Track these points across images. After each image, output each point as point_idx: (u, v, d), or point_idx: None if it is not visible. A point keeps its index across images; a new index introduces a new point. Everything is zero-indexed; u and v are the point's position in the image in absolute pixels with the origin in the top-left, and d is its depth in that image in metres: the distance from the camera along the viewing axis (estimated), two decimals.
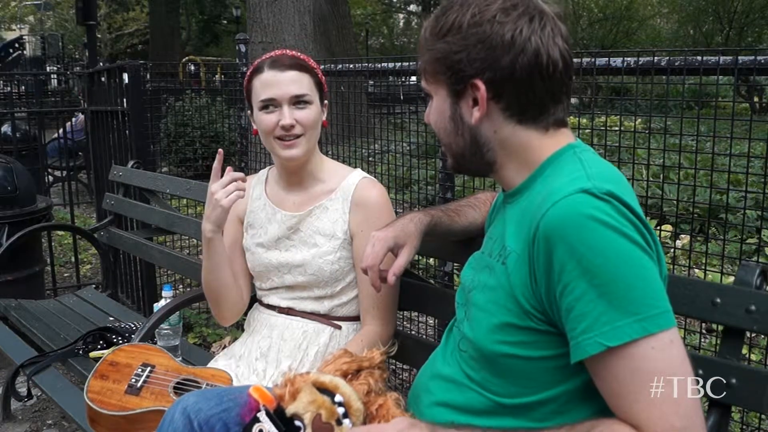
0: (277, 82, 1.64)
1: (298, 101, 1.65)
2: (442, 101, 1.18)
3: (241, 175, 1.63)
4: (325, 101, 1.75)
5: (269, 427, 1.11)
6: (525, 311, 1.05)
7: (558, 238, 0.98)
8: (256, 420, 1.13)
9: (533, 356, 1.07)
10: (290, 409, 1.13)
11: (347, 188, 1.72)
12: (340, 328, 1.73)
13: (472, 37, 1.10)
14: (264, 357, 1.70)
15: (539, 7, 1.11)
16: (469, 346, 1.17)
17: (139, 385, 1.64)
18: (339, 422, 1.14)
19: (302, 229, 1.73)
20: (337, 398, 1.16)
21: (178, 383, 1.65)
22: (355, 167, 1.82)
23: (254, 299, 1.88)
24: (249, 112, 1.76)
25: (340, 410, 1.15)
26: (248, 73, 1.71)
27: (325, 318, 1.73)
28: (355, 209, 1.70)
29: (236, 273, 1.80)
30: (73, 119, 6.86)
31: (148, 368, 1.70)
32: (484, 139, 1.16)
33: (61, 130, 5.95)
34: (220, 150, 1.64)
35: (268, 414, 1.13)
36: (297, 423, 1.12)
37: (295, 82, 1.65)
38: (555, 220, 0.99)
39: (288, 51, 1.72)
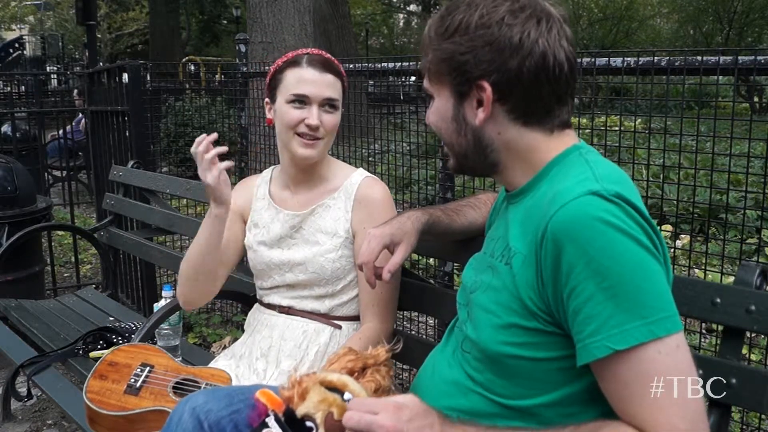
0: (314, 81, 1.65)
1: (328, 104, 1.67)
2: (444, 102, 1.18)
3: (217, 151, 1.56)
4: (342, 109, 1.76)
5: None
6: (530, 312, 1.05)
7: (567, 240, 0.98)
8: (265, 425, 1.12)
9: (539, 357, 1.06)
10: (301, 410, 1.12)
11: (350, 187, 1.73)
12: (340, 327, 1.73)
13: (480, 39, 1.09)
14: (264, 357, 1.70)
15: (546, 9, 1.11)
16: (473, 347, 1.16)
17: (138, 385, 1.64)
18: None
19: (305, 227, 1.74)
20: (347, 396, 1.15)
21: (177, 383, 1.65)
22: (356, 167, 1.83)
23: (254, 300, 1.89)
24: (267, 101, 1.75)
25: None
26: (279, 62, 1.70)
27: (325, 317, 1.73)
28: (357, 207, 1.71)
29: (221, 263, 1.79)
30: (74, 120, 6.87)
31: (147, 368, 1.70)
32: (487, 141, 1.15)
33: (61, 131, 5.96)
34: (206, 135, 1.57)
35: (277, 419, 1.12)
36: (308, 424, 1.11)
37: (331, 86, 1.67)
38: (564, 222, 0.98)
39: (324, 53, 1.72)
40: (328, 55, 1.72)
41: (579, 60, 2.04)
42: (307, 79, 1.65)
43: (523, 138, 1.14)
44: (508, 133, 1.14)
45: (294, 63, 1.68)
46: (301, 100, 1.65)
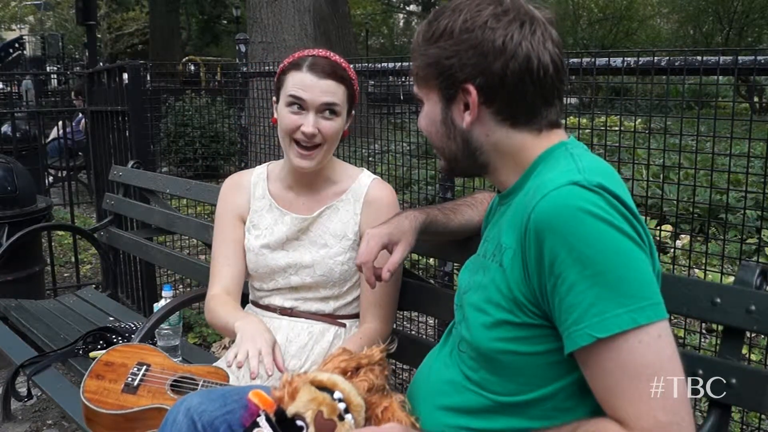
0: (311, 87, 1.60)
1: (326, 110, 1.62)
2: (433, 106, 1.19)
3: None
4: (353, 111, 1.72)
5: None
6: (521, 306, 1.05)
7: (548, 230, 0.98)
8: (256, 425, 1.13)
9: (530, 351, 1.07)
10: (291, 410, 1.13)
11: (358, 189, 1.72)
12: (344, 326, 1.73)
13: (464, 43, 1.11)
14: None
15: (530, 12, 1.13)
16: (468, 346, 1.17)
17: (135, 383, 1.63)
18: (341, 418, 1.14)
19: (312, 229, 1.72)
20: (337, 395, 1.16)
21: (175, 381, 1.65)
22: (372, 175, 1.80)
23: (245, 298, 1.85)
24: (274, 99, 1.72)
25: (341, 406, 1.15)
26: (286, 62, 1.67)
27: (330, 317, 1.73)
28: (367, 210, 1.71)
29: (237, 276, 1.78)
30: (74, 120, 6.87)
31: (144, 367, 1.69)
32: (476, 143, 1.17)
33: (60, 131, 5.95)
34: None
35: (267, 419, 1.13)
36: (299, 423, 1.12)
37: (329, 93, 1.61)
38: (545, 212, 0.99)
39: (332, 55, 1.67)
40: (336, 58, 1.66)
41: (579, 60, 2.04)
42: (305, 84, 1.61)
43: (512, 139, 1.15)
44: (496, 135, 1.15)
45: (296, 66, 1.64)
46: (298, 104, 1.62)
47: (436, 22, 1.15)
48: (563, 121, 1.23)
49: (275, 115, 1.72)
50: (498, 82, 1.10)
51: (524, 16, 1.11)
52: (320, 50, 1.68)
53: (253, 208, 1.79)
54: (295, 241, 1.73)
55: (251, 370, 1.40)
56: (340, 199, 1.72)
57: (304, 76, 1.62)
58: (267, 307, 1.76)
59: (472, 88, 1.12)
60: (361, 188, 1.73)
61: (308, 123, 1.61)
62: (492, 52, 1.09)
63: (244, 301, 1.86)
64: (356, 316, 1.75)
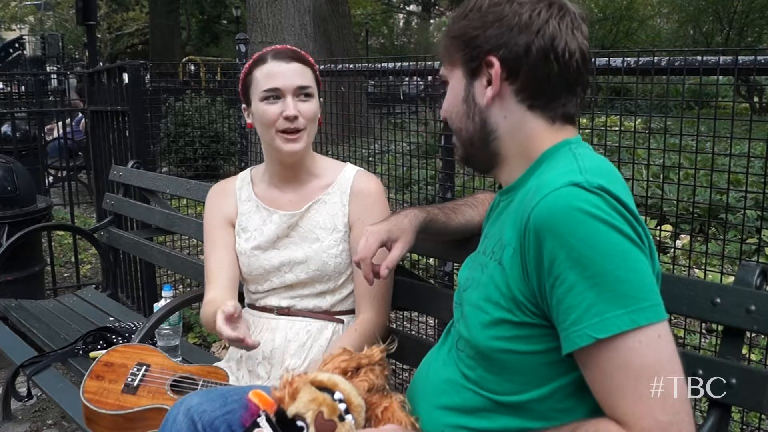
0: (281, 73, 1.65)
1: (301, 93, 1.66)
2: (457, 82, 1.20)
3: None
4: (321, 99, 1.76)
5: None
6: (520, 305, 1.05)
7: (547, 230, 0.98)
8: (256, 425, 1.13)
9: (528, 351, 1.07)
10: (291, 410, 1.13)
11: (344, 181, 1.74)
12: (342, 322, 1.73)
13: (491, 15, 1.13)
14: (267, 360, 1.69)
15: (560, 0, 1.14)
16: (466, 344, 1.17)
17: (135, 384, 1.64)
18: (341, 418, 1.14)
19: (301, 225, 1.73)
20: (337, 395, 1.16)
21: (175, 381, 1.65)
22: (356, 167, 1.82)
23: (241, 300, 1.84)
24: (244, 106, 1.75)
25: (342, 406, 1.15)
26: (248, 66, 1.71)
27: (327, 314, 1.73)
28: (354, 200, 1.72)
29: (232, 279, 1.77)
30: (74, 120, 6.87)
31: (144, 367, 1.70)
32: (492, 125, 1.17)
33: (59, 131, 5.95)
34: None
35: (267, 419, 1.13)
36: (299, 423, 1.12)
37: (300, 74, 1.66)
38: (544, 212, 0.99)
39: (288, 46, 1.74)
40: (293, 47, 1.73)
41: None
42: (275, 73, 1.65)
43: (526, 124, 1.15)
44: (513, 117, 1.16)
45: (260, 61, 1.68)
46: (274, 95, 1.65)
47: (464, 4, 1.19)
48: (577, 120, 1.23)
49: (248, 120, 1.74)
50: (522, 56, 1.11)
51: (554, 0, 1.13)
52: (276, 45, 1.74)
53: (240, 211, 1.80)
54: (285, 238, 1.73)
55: (225, 334, 1.40)
56: (326, 192, 1.74)
57: (271, 66, 1.66)
58: (264, 309, 1.76)
59: (495, 60, 1.12)
60: (347, 180, 1.74)
61: (289, 107, 1.64)
62: (518, 25, 1.11)
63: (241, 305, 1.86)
64: (353, 311, 1.75)
